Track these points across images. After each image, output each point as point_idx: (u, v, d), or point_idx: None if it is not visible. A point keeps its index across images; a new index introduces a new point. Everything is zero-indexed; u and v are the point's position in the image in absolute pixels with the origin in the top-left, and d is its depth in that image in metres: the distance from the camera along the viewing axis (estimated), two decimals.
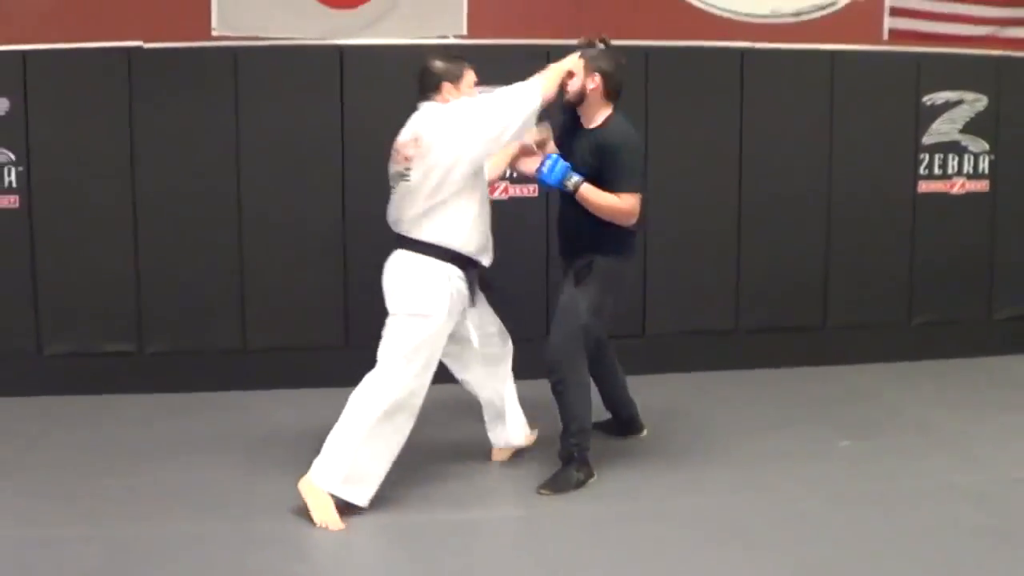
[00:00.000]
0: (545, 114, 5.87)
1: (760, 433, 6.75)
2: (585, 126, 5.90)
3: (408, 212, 5.66)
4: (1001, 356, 8.68)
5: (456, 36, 8.03)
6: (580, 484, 5.77)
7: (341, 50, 7.80)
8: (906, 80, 8.62)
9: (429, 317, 5.49)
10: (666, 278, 8.32)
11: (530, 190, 8.02)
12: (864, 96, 8.56)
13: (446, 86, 5.75)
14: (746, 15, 8.59)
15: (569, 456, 5.81)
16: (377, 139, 7.71)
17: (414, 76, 7.63)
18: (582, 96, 5.84)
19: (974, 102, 8.69)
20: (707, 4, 8.54)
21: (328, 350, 7.92)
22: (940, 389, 7.79)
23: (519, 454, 6.29)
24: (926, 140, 8.65)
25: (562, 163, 5.68)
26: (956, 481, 5.87)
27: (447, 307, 5.53)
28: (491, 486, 5.98)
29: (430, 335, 5.51)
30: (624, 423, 6.66)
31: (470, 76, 5.83)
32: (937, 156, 8.68)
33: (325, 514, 5.29)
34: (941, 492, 5.71)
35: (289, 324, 7.93)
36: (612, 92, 5.89)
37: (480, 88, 5.94)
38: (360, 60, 7.84)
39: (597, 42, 6.00)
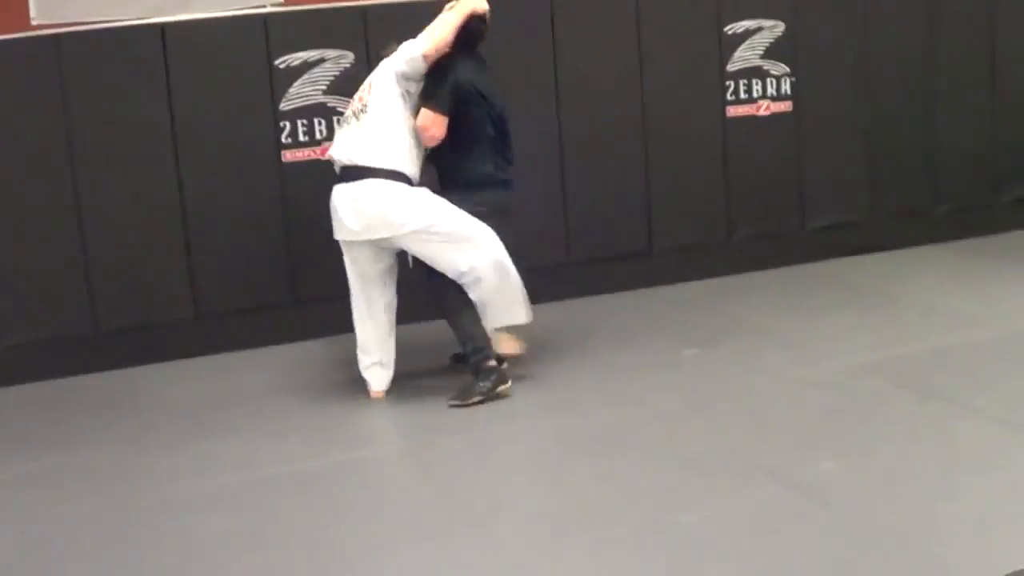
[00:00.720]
0: None
1: (610, 352, 7.22)
2: None
3: (362, 144, 6.48)
4: (818, 262, 9.23)
5: (273, 4, 8.22)
6: (489, 392, 6.42)
7: (163, 28, 7.91)
8: (707, 12, 9.09)
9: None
10: None
11: None
12: (669, 29, 9.00)
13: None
14: None
15: (476, 369, 6.50)
16: (207, 114, 8.04)
17: (237, 48, 7.98)
18: None
19: (772, 28, 9.19)
20: None
21: (178, 323, 8.16)
22: (769, 297, 8.34)
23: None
24: (731, 67, 9.15)
25: None
26: (802, 374, 6.45)
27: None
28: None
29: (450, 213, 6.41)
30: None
31: None
32: (742, 82, 9.18)
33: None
34: (788, 385, 6.28)
35: (137, 302, 8.07)
36: None
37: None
38: (182, 37, 7.96)
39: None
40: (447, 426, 6.13)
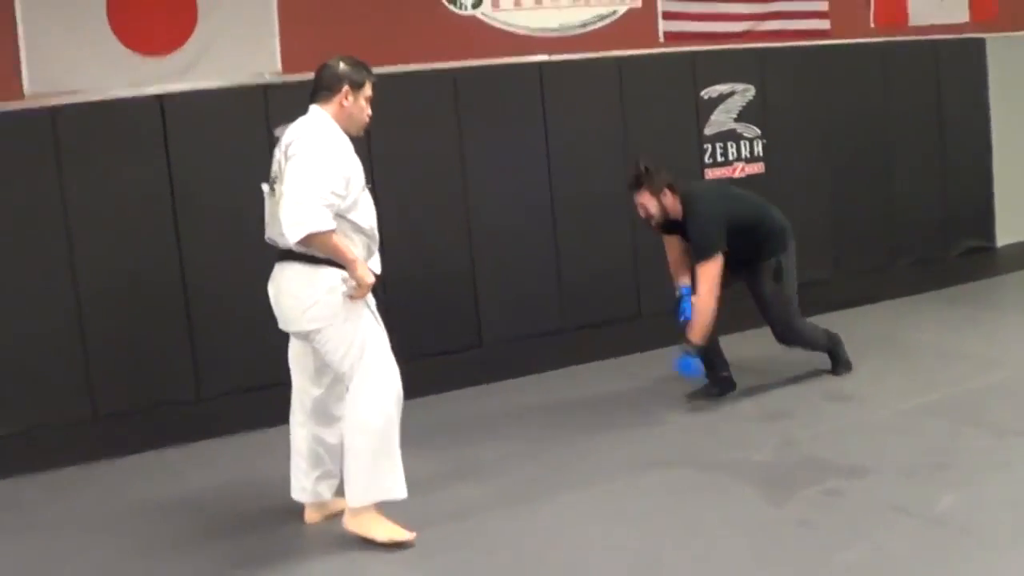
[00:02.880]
0: None
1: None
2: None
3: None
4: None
5: (272, 73, 8.08)
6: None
7: (161, 98, 7.74)
8: (684, 77, 9.29)
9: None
10: (498, 285, 8.70)
11: None
12: (650, 95, 9.17)
13: (346, 90, 5.26)
14: (539, 30, 9.02)
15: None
16: (207, 184, 7.83)
17: (237, 117, 7.79)
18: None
19: (744, 92, 9.46)
20: (504, 23, 8.90)
21: (180, 404, 7.85)
22: (778, 354, 8.23)
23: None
24: (707, 131, 9.37)
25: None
26: (865, 419, 6.38)
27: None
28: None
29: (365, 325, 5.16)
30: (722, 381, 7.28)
31: (368, 89, 5.36)
32: (718, 144, 9.40)
33: (388, 531, 5.13)
34: (858, 431, 6.19)
35: (137, 384, 7.78)
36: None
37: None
38: (180, 106, 7.79)
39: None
40: None
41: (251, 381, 7.97)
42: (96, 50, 7.62)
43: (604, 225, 9.04)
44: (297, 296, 5.13)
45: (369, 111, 5.34)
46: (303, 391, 5.51)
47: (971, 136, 11.08)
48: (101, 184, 7.60)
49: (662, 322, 8.92)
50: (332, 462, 5.46)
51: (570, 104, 8.94)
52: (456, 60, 8.52)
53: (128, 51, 7.72)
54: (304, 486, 5.49)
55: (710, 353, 7.00)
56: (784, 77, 9.74)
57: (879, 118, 10.35)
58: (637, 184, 6.78)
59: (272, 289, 5.33)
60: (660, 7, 9.50)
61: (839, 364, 7.43)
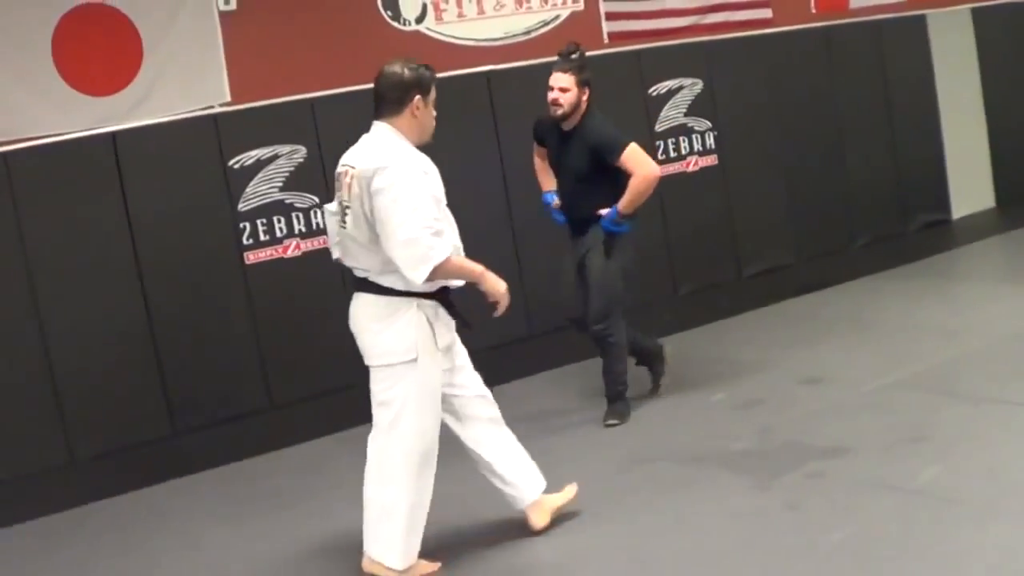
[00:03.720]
0: None
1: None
2: (566, 129, 6.72)
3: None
4: (767, 306, 9.16)
5: (221, 104, 8.06)
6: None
7: (113, 136, 7.70)
8: (631, 76, 9.34)
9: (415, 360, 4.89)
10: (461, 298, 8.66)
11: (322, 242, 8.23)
12: (599, 96, 9.16)
13: (416, 99, 4.95)
14: (484, 40, 9.04)
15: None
16: (165, 217, 7.80)
17: (190, 150, 7.75)
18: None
19: (692, 86, 9.51)
20: (449, 36, 8.91)
21: (156, 442, 7.77)
22: (749, 339, 8.27)
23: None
24: (659, 127, 9.41)
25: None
26: (843, 398, 6.43)
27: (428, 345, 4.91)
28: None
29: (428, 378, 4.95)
30: (646, 353, 7.22)
31: (433, 91, 5.05)
32: (670, 140, 9.44)
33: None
34: (839, 409, 6.25)
35: (117, 425, 7.68)
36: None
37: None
38: (133, 143, 7.74)
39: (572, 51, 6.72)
40: None
41: (225, 413, 7.96)
42: (44, 94, 7.57)
43: (563, 232, 9.03)
44: (368, 328, 4.93)
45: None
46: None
47: (920, 112, 11.17)
48: (59, 225, 7.53)
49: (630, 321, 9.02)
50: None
51: (520, 111, 8.90)
52: None
53: (76, 93, 7.66)
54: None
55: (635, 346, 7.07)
56: (730, 69, 9.79)
57: (828, 102, 10.43)
58: (571, 63, 6.67)
59: (352, 318, 5.03)
60: (603, 8, 9.53)
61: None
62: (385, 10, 8.72)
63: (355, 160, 4.90)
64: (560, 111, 6.61)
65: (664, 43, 9.57)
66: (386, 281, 4.85)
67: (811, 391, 6.84)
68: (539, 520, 5.25)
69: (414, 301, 4.85)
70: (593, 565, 4.96)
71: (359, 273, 4.95)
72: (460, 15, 8.99)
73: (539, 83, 9.00)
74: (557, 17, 9.35)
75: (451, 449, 5.18)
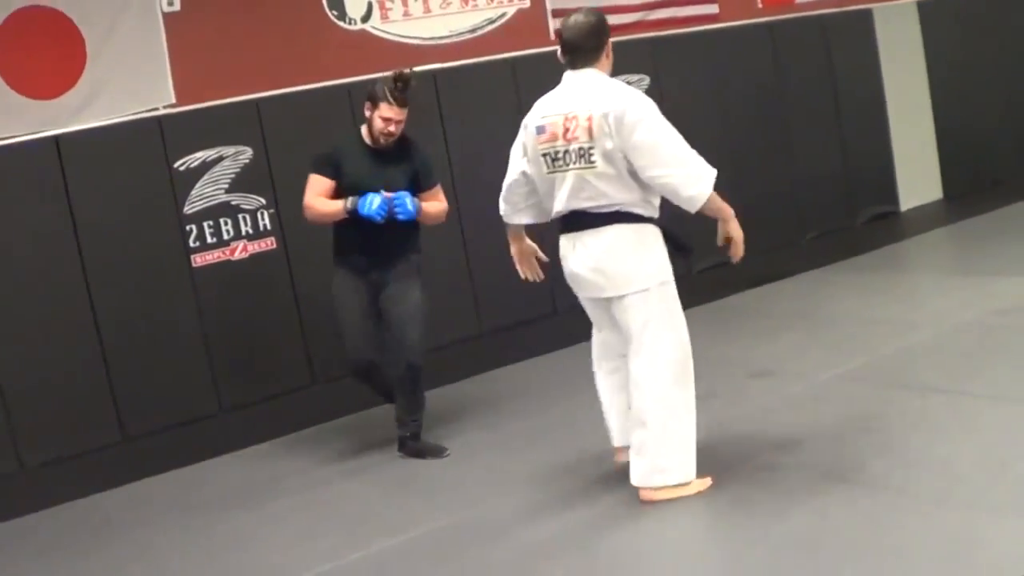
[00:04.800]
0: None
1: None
2: (387, 151, 6.40)
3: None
4: (715, 300, 9.17)
5: (165, 106, 7.98)
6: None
7: (57, 140, 7.62)
8: None
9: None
10: None
11: (269, 243, 8.19)
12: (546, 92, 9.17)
13: (608, 42, 5.24)
14: (429, 39, 9.01)
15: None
16: (110, 220, 7.73)
17: (134, 153, 7.66)
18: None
19: (639, 83, 9.50)
20: (395, 35, 8.88)
21: (105, 448, 7.70)
22: (699, 332, 8.31)
23: None
24: None
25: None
26: (793, 392, 6.43)
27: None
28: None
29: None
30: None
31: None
32: None
33: (693, 488, 5.19)
34: (786, 405, 6.26)
35: (66, 432, 7.60)
36: None
37: None
38: (77, 146, 7.67)
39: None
40: None
41: (177, 416, 7.90)
42: None
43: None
44: (625, 259, 5.09)
45: None
46: (607, 343, 5.50)
47: (867, 105, 11.27)
48: (2, 230, 7.44)
49: (578, 317, 9.01)
50: None
51: (467, 109, 8.94)
52: (349, 76, 8.48)
53: (19, 96, 7.57)
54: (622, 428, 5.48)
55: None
56: (677, 64, 9.82)
57: (775, 96, 10.49)
58: (409, 98, 6.35)
59: (578, 257, 5.21)
60: (548, 5, 9.53)
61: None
62: (330, 9, 8.68)
63: (583, 105, 5.04)
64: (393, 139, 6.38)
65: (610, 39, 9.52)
66: (637, 210, 5.08)
67: (762, 384, 6.85)
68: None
69: (656, 227, 5.15)
70: (547, 561, 4.93)
71: (607, 209, 5.07)
72: (406, 14, 8.96)
73: (485, 81, 9.06)
74: (503, 15, 9.34)
75: None
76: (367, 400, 7.11)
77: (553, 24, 9.48)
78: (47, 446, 7.55)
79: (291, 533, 5.66)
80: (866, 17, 11.33)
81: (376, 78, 6.41)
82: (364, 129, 6.40)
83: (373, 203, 6.15)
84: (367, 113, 6.33)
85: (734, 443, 5.96)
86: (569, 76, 5.21)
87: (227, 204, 8.08)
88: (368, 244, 6.31)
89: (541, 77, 9.13)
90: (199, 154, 8.00)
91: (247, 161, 8.14)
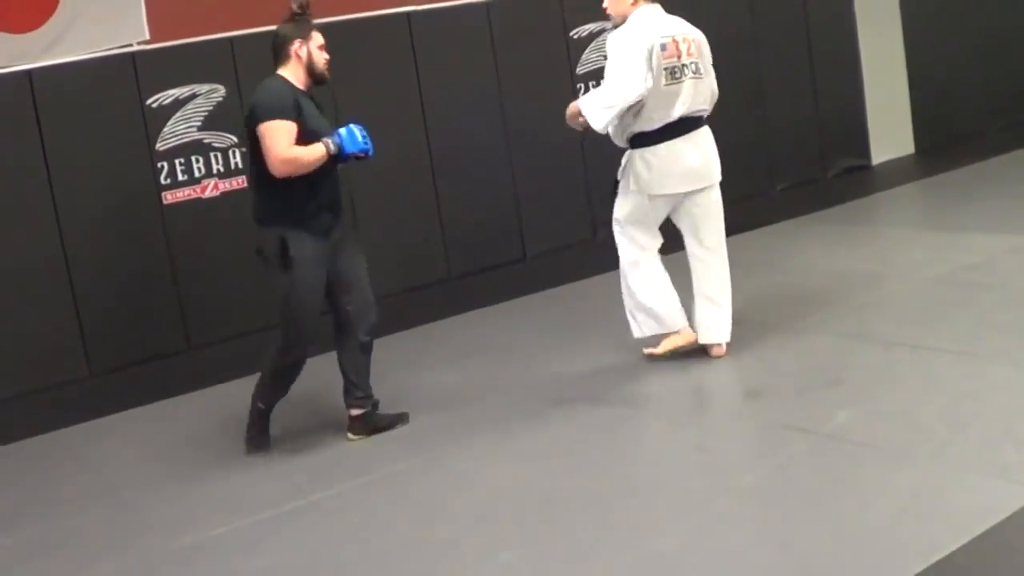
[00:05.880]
0: None
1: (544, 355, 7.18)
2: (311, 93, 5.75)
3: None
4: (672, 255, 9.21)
5: (139, 43, 7.94)
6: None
7: (30, 74, 7.57)
8: (553, 18, 9.33)
9: None
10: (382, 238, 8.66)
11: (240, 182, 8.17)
12: (520, 38, 9.19)
13: None
14: None
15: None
16: (82, 156, 7.70)
17: (107, 90, 7.61)
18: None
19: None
20: None
21: (72, 383, 7.74)
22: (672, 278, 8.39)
23: None
24: (579, 70, 9.46)
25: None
26: (760, 343, 6.47)
27: None
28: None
29: None
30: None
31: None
32: (591, 83, 9.38)
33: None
34: (755, 357, 6.31)
35: (34, 367, 7.64)
36: None
37: None
38: (50, 81, 7.64)
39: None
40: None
41: (142, 352, 7.92)
42: None
43: (484, 172, 9.08)
44: (715, 153, 6.48)
45: None
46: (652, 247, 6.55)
47: (840, 57, 11.28)
48: None
49: (548, 264, 9.07)
50: None
51: (441, 53, 8.93)
52: (326, 16, 8.40)
53: None
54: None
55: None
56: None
57: (748, 47, 10.48)
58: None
59: (695, 152, 6.34)
60: None
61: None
62: None
63: (684, 31, 6.26)
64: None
65: None
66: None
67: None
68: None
69: None
70: (502, 502, 4.98)
71: (700, 112, 6.34)
72: None
73: (459, 25, 9.03)
74: None
75: None
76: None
77: None
78: (13, 381, 7.56)
79: (256, 472, 5.70)
80: None
81: (280, 26, 5.63)
82: (288, 72, 5.63)
83: (357, 136, 5.55)
84: (297, 50, 5.60)
85: (696, 392, 6.05)
86: (650, 8, 6.21)
87: (199, 142, 8.07)
88: (334, 197, 5.74)
89: (515, 21, 9.25)
90: (172, 91, 7.97)
91: (220, 99, 8.12)
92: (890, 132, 11.73)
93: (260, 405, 5.88)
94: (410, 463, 5.50)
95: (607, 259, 7.05)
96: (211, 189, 8.12)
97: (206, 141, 8.07)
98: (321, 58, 5.67)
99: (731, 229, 9.19)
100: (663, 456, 5.24)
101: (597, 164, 9.42)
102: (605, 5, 6.27)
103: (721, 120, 9.96)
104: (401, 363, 7.00)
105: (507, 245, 9.30)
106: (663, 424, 5.61)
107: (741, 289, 7.62)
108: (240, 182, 8.13)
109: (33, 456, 6.52)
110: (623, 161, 6.32)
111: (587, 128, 6.19)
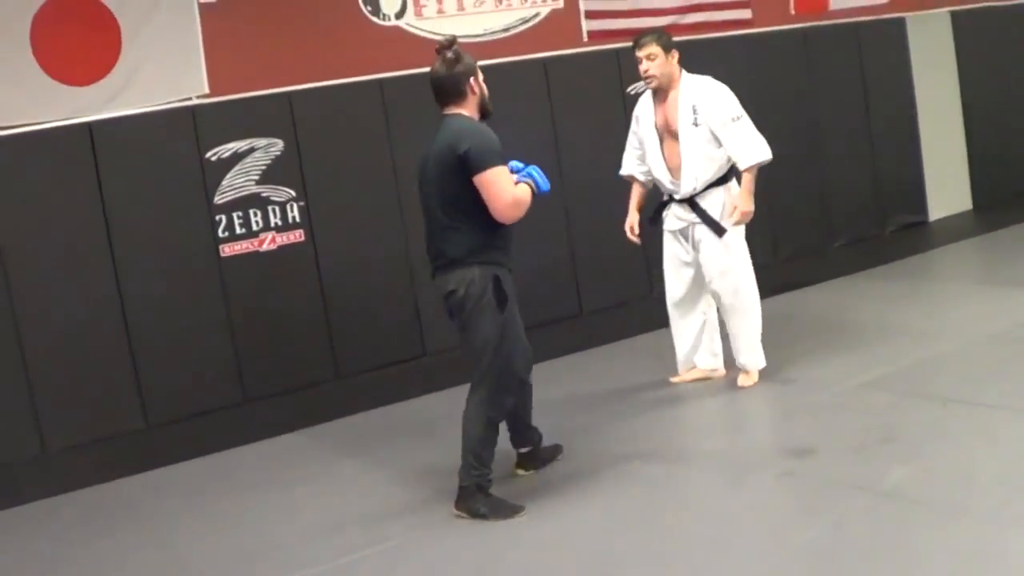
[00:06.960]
0: None
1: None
2: None
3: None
4: None
5: (199, 96, 8.04)
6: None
7: (90, 127, 7.69)
8: (610, 75, 9.36)
9: None
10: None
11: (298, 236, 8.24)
12: (577, 94, 9.23)
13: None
14: (463, 37, 9.00)
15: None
16: (140, 209, 7.79)
17: (167, 142, 7.71)
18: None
19: None
20: (428, 31, 8.89)
21: (129, 434, 7.80)
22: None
23: None
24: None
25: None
26: (814, 400, 6.44)
27: None
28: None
29: None
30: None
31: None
32: None
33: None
34: (807, 411, 6.29)
35: (90, 417, 7.72)
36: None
37: None
38: (110, 133, 7.75)
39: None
40: None
41: (199, 406, 7.97)
42: (22, 83, 7.57)
43: (546, 224, 9.08)
44: None
45: None
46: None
47: (898, 114, 11.27)
48: (34, 216, 7.54)
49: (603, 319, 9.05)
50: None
51: (498, 108, 8.91)
52: (382, 71, 8.54)
53: (54, 82, 7.65)
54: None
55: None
56: (709, 69, 9.72)
57: (806, 103, 10.50)
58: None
59: None
60: (582, 7, 9.58)
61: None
62: (365, 5, 8.73)
63: None
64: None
65: None
66: None
67: (784, 391, 6.84)
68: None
69: None
70: (559, 560, 4.96)
71: None
72: (440, 11, 9.01)
73: (517, 81, 9.08)
74: (537, 15, 9.37)
75: None
76: (390, 395, 7.19)
77: (587, 25, 9.53)
78: (71, 431, 7.65)
79: (308, 524, 5.70)
80: (899, 25, 11.32)
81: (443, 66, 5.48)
82: (466, 109, 5.62)
83: (542, 176, 5.52)
84: (472, 85, 5.60)
85: (754, 449, 5.99)
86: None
87: (257, 195, 8.14)
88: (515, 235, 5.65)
89: (572, 77, 9.30)
90: (231, 145, 8.06)
91: (278, 153, 8.20)
92: (947, 188, 11.68)
93: (483, 471, 5.45)
94: (464, 518, 5.48)
95: (663, 319, 7.08)
96: (268, 243, 8.19)
97: (264, 195, 8.15)
98: (487, 94, 5.69)
99: (789, 285, 9.26)
100: (719, 514, 5.19)
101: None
102: (653, 72, 6.76)
103: (780, 177, 10.05)
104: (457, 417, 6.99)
105: (562, 300, 9.30)
106: (719, 481, 5.56)
107: (798, 346, 7.63)
108: (298, 235, 8.20)
109: (89, 506, 6.53)
110: (705, 203, 6.94)
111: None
